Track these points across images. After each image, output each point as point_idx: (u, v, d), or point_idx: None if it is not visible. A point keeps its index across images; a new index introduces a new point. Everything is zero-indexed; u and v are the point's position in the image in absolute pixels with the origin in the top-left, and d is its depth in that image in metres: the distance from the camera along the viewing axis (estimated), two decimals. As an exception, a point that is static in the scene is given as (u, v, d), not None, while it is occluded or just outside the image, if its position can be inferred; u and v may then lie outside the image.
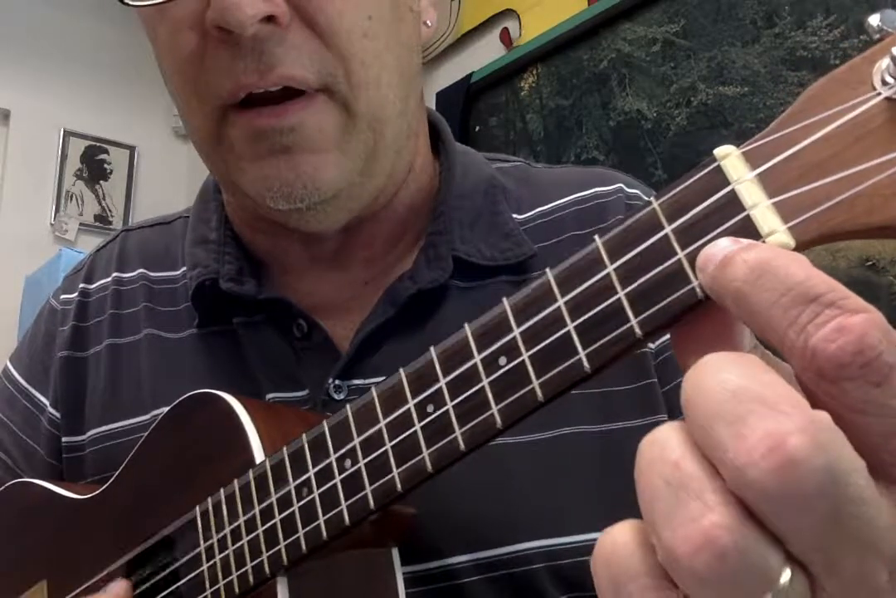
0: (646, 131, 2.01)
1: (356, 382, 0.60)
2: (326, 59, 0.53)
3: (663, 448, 0.26)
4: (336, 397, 0.59)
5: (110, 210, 3.46)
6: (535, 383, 0.33)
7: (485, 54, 2.45)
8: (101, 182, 3.46)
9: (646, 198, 0.68)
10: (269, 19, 0.51)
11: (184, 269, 0.70)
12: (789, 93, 1.72)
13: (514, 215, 0.66)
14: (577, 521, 0.55)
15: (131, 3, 0.54)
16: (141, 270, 0.72)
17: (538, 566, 0.55)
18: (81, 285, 0.74)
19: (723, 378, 0.25)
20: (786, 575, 0.24)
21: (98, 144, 3.46)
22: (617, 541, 0.27)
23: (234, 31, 0.50)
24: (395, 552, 0.52)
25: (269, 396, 0.62)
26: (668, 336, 0.60)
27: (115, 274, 0.73)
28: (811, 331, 0.24)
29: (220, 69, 0.53)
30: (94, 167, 3.45)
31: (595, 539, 0.55)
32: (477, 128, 2.43)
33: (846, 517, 0.23)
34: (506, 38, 2.42)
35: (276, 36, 0.52)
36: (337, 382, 0.60)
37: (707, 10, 1.93)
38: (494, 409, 0.35)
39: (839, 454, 0.23)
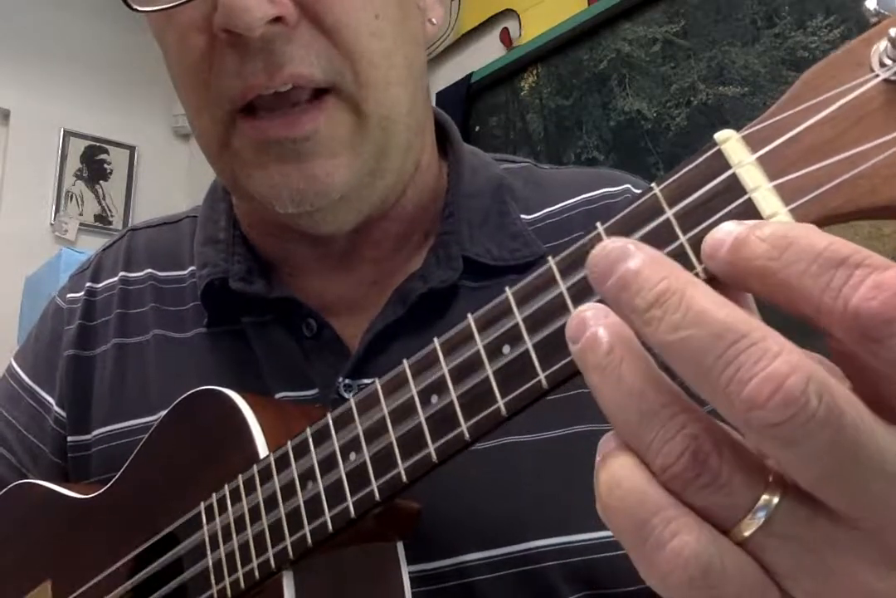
0: (646, 131, 2.01)
1: (366, 381, 0.60)
2: (334, 58, 0.53)
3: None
4: (346, 396, 0.59)
5: (110, 210, 3.46)
6: (539, 370, 0.33)
7: (485, 54, 2.46)
8: (101, 182, 3.46)
9: None
10: (277, 20, 0.51)
11: (192, 268, 0.70)
12: (789, 92, 1.72)
13: (523, 216, 0.66)
14: (589, 518, 0.55)
15: (139, 8, 0.54)
16: (149, 270, 0.72)
17: (550, 563, 0.54)
18: (88, 284, 0.74)
19: (697, 315, 0.26)
20: (775, 499, 0.26)
21: (98, 144, 3.46)
22: (625, 483, 0.28)
23: (243, 34, 0.51)
24: (401, 547, 0.51)
25: (279, 395, 0.61)
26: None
27: (121, 273, 0.73)
28: (848, 293, 0.24)
29: (229, 71, 0.53)
30: (94, 167, 3.45)
31: (609, 537, 0.55)
32: (477, 128, 2.44)
33: (850, 446, 0.24)
34: (506, 38, 2.42)
35: (284, 35, 0.52)
36: (347, 381, 0.60)
37: (707, 10, 1.93)
38: (499, 397, 0.35)
39: (828, 384, 0.24)
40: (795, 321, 0.26)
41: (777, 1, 1.78)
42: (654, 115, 2.00)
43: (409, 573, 0.51)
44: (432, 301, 0.61)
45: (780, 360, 0.24)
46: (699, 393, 0.26)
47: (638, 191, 0.68)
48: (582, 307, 0.29)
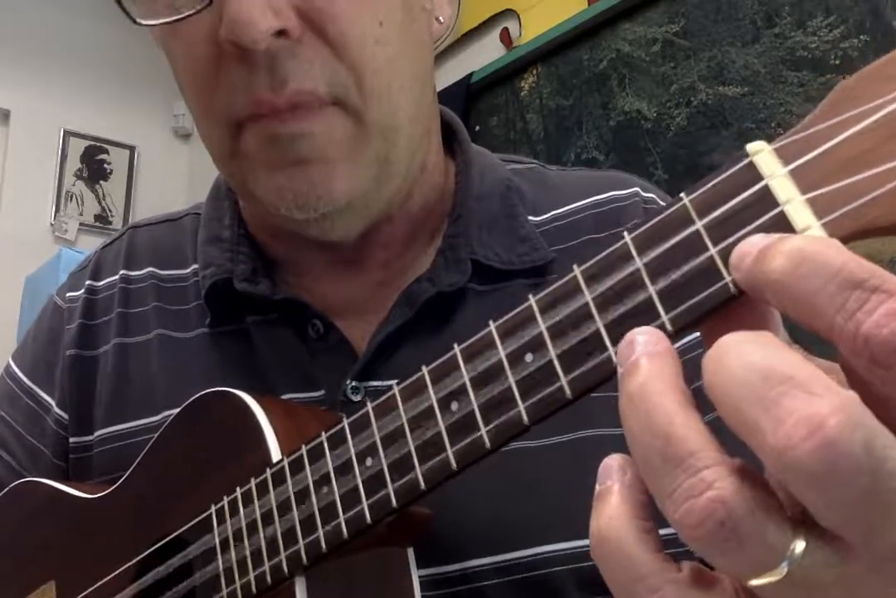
0: (646, 131, 2.01)
1: (373, 383, 0.60)
2: (338, 71, 0.53)
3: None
4: (353, 398, 0.59)
5: (110, 210, 3.46)
6: (563, 380, 0.33)
7: (485, 54, 2.46)
8: (101, 182, 3.47)
9: (662, 202, 0.68)
10: (281, 33, 0.51)
11: (194, 267, 0.69)
12: (789, 93, 1.72)
13: (530, 218, 0.66)
14: None
15: (143, 22, 0.54)
16: (150, 269, 0.71)
17: (560, 568, 0.54)
18: (88, 282, 0.73)
19: (748, 361, 0.25)
20: (799, 546, 0.25)
21: (98, 144, 3.47)
22: (612, 540, 0.28)
23: (247, 47, 0.51)
24: (411, 552, 0.51)
25: (284, 396, 0.61)
26: (686, 339, 0.61)
27: (122, 272, 0.72)
28: (860, 318, 0.24)
29: (235, 84, 0.53)
30: (94, 167, 3.45)
31: None
32: (477, 128, 2.44)
33: (885, 491, 0.24)
34: (506, 38, 2.42)
35: (288, 50, 0.52)
36: (354, 383, 0.59)
37: (707, 10, 1.93)
38: (521, 406, 0.34)
39: (874, 431, 0.24)
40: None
41: (777, 1, 1.78)
42: (654, 115, 1.99)
43: (418, 577, 0.51)
44: (440, 304, 0.61)
45: (824, 401, 0.23)
46: (740, 436, 0.25)
47: (647, 194, 0.68)
48: (638, 329, 0.28)
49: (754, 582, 0.25)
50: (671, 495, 0.26)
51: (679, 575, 0.27)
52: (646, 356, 0.28)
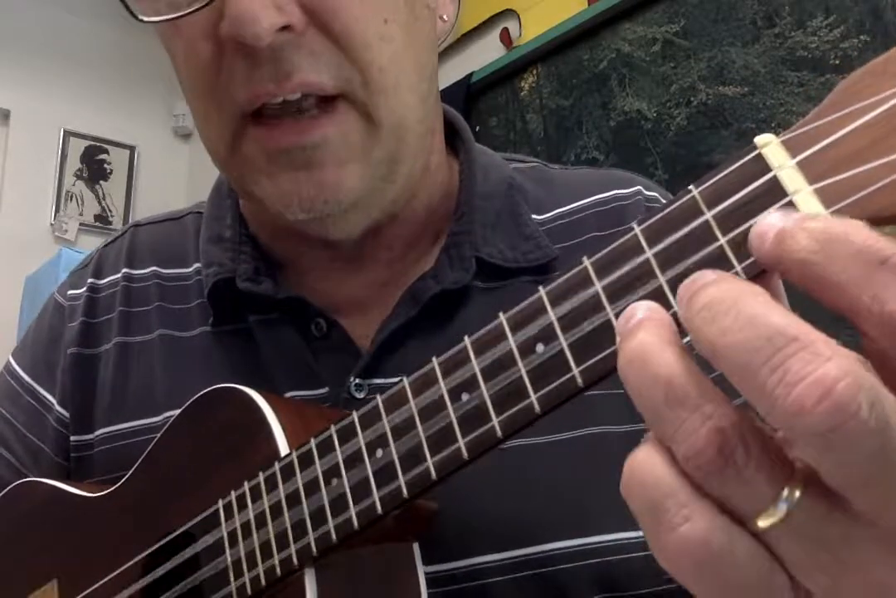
0: (646, 131, 2.02)
1: (377, 381, 0.60)
2: (343, 65, 0.53)
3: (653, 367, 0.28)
4: (357, 395, 0.59)
5: (110, 210, 3.47)
6: (575, 370, 0.33)
7: (485, 54, 2.46)
8: (101, 182, 3.47)
9: (664, 201, 0.69)
10: (285, 28, 0.51)
11: (196, 265, 0.69)
12: (789, 93, 1.73)
13: (534, 216, 0.66)
14: (605, 520, 0.55)
15: (145, 19, 0.54)
16: (153, 268, 0.71)
17: (568, 565, 0.54)
18: (90, 280, 0.73)
19: (749, 321, 0.25)
20: (798, 490, 0.26)
21: (98, 144, 3.47)
22: (645, 466, 0.28)
23: (250, 44, 0.50)
24: (416, 547, 0.51)
25: (288, 394, 0.61)
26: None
27: (124, 270, 0.72)
28: (886, 296, 0.24)
29: (238, 79, 0.53)
30: (94, 167, 3.46)
31: (625, 538, 0.54)
32: (477, 128, 2.44)
33: (893, 453, 0.24)
34: (506, 38, 2.42)
35: (292, 43, 0.51)
36: (358, 380, 0.60)
37: (707, 10, 1.94)
38: (532, 395, 0.35)
39: (879, 394, 0.24)
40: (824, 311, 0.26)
41: (777, 1, 1.79)
42: (654, 115, 2.00)
43: (425, 573, 0.51)
44: (444, 302, 0.61)
45: (832, 364, 0.24)
46: (747, 398, 0.25)
47: (649, 193, 0.68)
48: (635, 304, 0.29)
49: (760, 524, 0.26)
50: (675, 435, 0.27)
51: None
52: (644, 320, 0.29)
